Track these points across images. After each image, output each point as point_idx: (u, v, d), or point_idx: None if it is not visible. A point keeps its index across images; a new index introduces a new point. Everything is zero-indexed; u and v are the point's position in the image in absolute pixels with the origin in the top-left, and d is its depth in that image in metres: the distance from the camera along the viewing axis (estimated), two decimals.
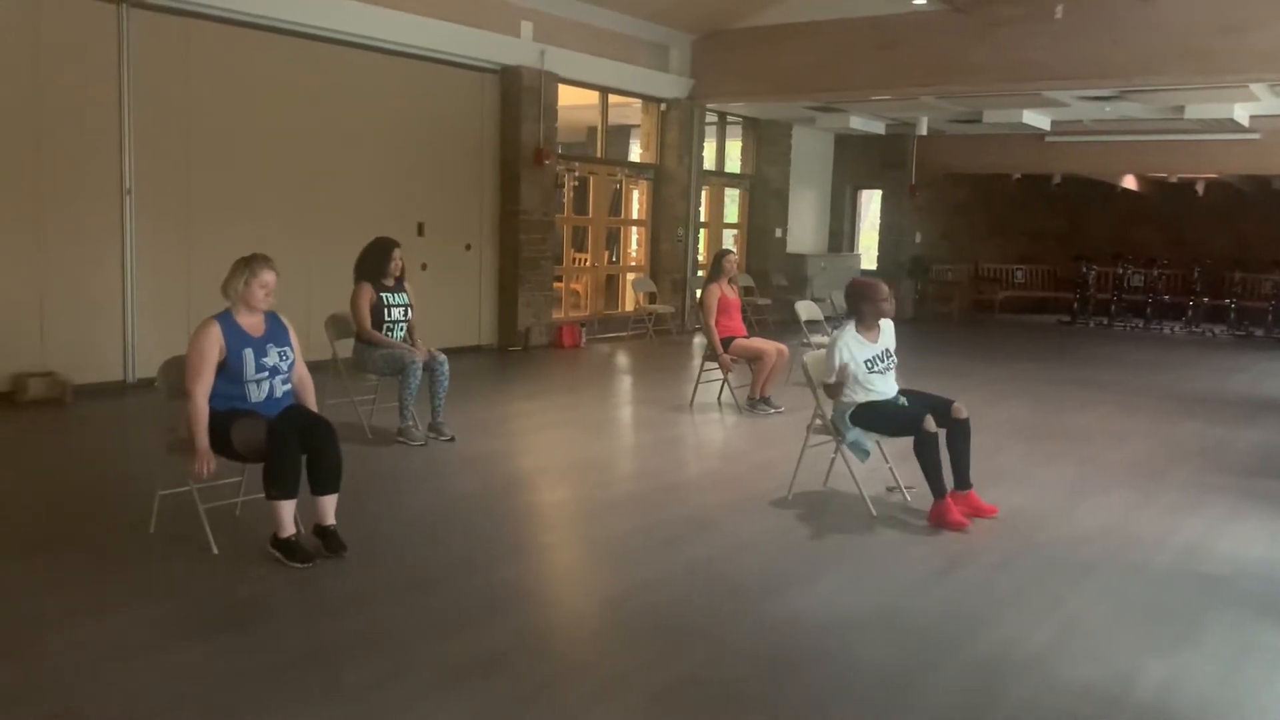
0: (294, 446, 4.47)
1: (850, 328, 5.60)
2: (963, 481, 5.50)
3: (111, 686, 3.37)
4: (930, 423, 5.31)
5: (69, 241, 7.98)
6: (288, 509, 4.48)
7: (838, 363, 5.47)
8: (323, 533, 4.60)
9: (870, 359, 5.56)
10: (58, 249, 7.93)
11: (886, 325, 5.73)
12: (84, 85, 7.97)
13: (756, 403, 8.33)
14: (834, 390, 5.51)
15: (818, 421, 5.71)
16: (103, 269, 8.23)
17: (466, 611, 4.10)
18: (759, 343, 8.39)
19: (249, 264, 4.61)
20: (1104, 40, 10.18)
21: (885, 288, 5.72)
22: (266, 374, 4.59)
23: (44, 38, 7.71)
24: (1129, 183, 18.49)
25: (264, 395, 4.60)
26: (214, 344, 4.48)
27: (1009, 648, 3.88)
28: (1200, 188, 17.71)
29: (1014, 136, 15.97)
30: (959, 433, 5.51)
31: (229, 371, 4.52)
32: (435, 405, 6.87)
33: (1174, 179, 17.66)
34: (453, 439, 6.84)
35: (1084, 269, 17.95)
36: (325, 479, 4.58)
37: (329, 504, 4.62)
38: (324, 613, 4.03)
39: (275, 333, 4.69)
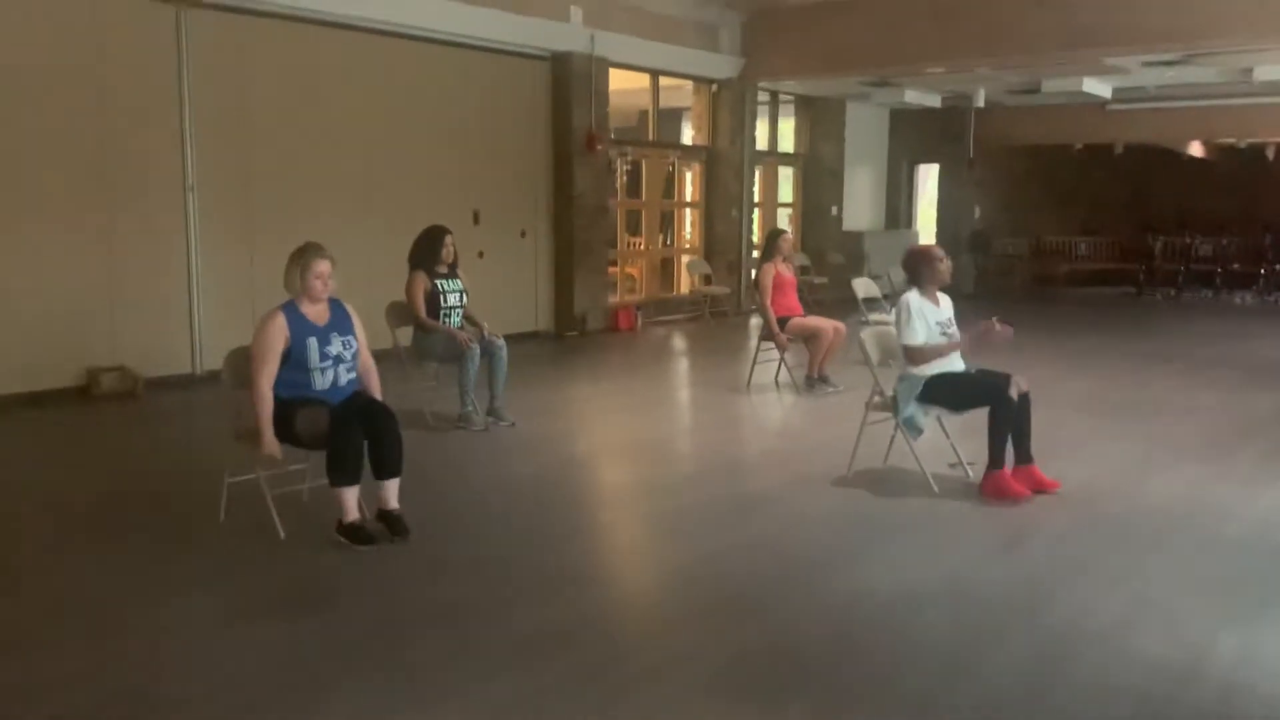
0: (356, 434, 4.54)
1: (914, 292, 5.56)
2: (1024, 456, 5.40)
3: (185, 666, 3.47)
4: (1015, 390, 5.24)
5: (136, 239, 8.17)
6: (351, 495, 4.57)
7: (917, 323, 5.40)
8: (386, 517, 4.67)
9: (940, 322, 5.52)
10: (125, 247, 8.12)
11: (944, 299, 5.68)
12: (145, 85, 8.14)
13: (815, 381, 8.28)
14: (921, 354, 5.41)
15: (876, 399, 5.66)
16: (169, 265, 8.41)
17: (530, 589, 4.14)
18: (815, 321, 8.33)
19: (302, 255, 4.68)
20: (1165, 3, 9.89)
21: (940, 250, 5.71)
22: (330, 362, 4.66)
23: (106, 41, 7.88)
24: (1195, 149, 18.00)
25: (329, 383, 4.67)
26: (278, 333, 4.56)
27: (1078, 621, 3.82)
28: (1271, 153, 17.19)
29: (1074, 106, 15.62)
30: (1020, 406, 5.42)
31: (294, 360, 4.59)
32: (494, 390, 6.92)
33: (1243, 144, 17.16)
34: (513, 424, 6.89)
35: (1150, 239, 17.52)
36: (387, 463, 4.65)
37: (392, 488, 4.69)
38: (390, 593, 4.09)
39: (339, 321, 4.76)
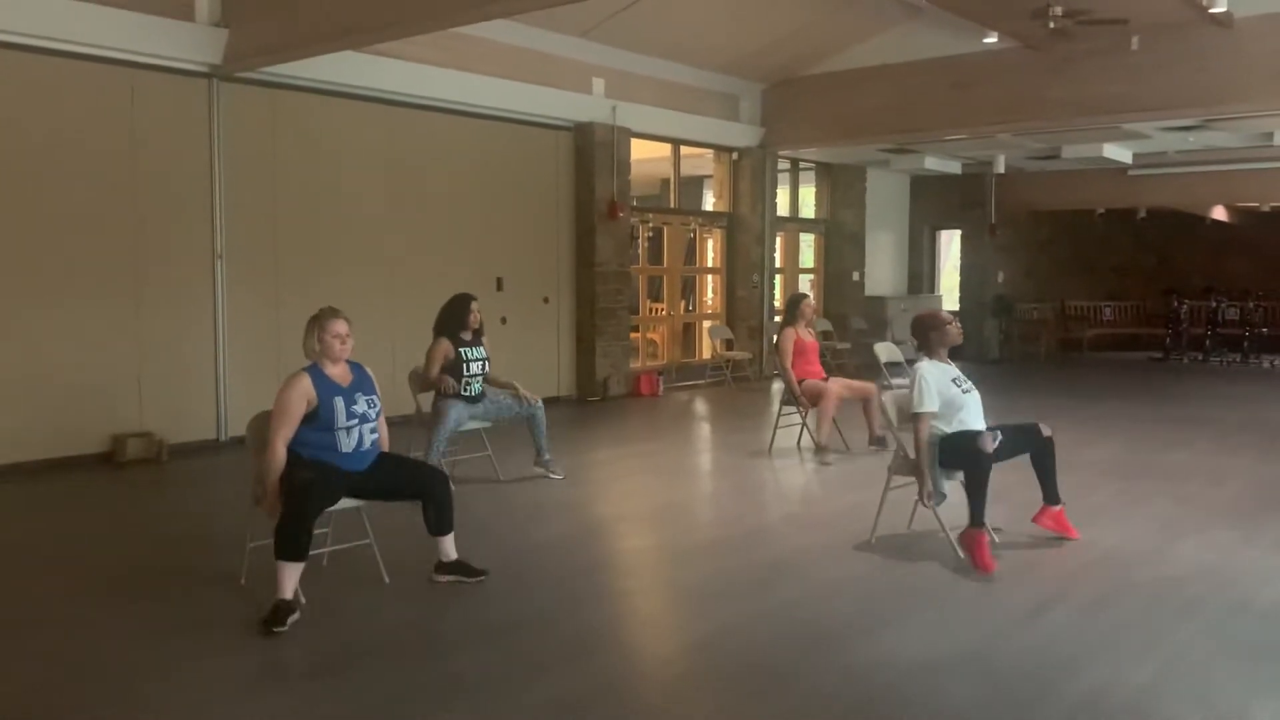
0: (313, 514, 4.40)
1: (926, 361, 5.58)
2: (1052, 497, 5.46)
3: None
4: (985, 442, 5.17)
5: (164, 306, 8.31)
6: (292, 571, 4.41)
7: (929, 393, 5.39)
8: (455, 566, 4.93)
9: (955, 379, 5.56)
10: (153, 314, 8.25)
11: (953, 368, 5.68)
12: (177, 156, 8.34)
13: (876, 439, 8.28)
14: (923, 422, 5.40)
15: (899, 462, 5.62)
16: (196, 332, 8.53)
17: (552, 656, 4.10)
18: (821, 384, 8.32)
19: (318, 320, 4.75)
20: (1183, 69, 9.98)
21: (947, 314, 5.78)
22: (356, 421, 4.69)
23: (139, 113, 8.10)
24: (1219, 213, 17.99)
25: (354, 444, 4.69)
26: (301, 396, 4.60)
27: (1106, 689, 3.74)
28: None
29: (1095, 171, 15.71)
30: (1043, 451, 5.46)
31: (320, 420, 4.62)
32: (539, 445, 7.32)
33: (1266, 208, 17.14)
34: (563, 477, 7.28)
35: (1175, 303, 17.45)
36: (441, 520, 4.88)
37: (448, 542, 4.92)
38: (411, 659, 4.07)
39: (362, 382, 4.82)
